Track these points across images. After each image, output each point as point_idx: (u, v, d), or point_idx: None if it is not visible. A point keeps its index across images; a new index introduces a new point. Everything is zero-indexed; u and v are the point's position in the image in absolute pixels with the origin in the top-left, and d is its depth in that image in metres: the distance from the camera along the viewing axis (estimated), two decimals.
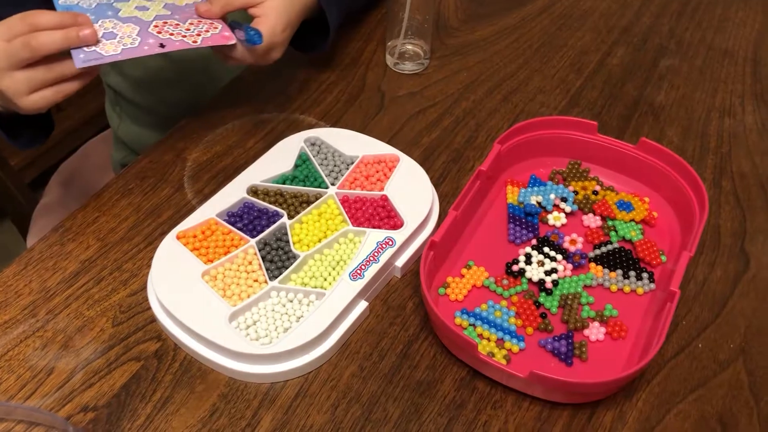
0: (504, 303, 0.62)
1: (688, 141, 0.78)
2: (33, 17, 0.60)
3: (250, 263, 0.62)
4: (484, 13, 0.96)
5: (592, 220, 0.69)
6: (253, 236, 0.64)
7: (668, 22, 0.95)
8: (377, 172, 0.71)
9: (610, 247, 0.66)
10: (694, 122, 0.80)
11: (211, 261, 0.62)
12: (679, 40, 0.92)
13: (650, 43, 0.91)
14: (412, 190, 0.68)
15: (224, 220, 0.65)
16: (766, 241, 0.68)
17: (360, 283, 0.59)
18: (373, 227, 0.65)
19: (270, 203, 0.67)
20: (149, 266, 0.62)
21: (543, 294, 0.62)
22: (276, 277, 0.60)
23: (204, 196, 0.70)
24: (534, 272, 0.63)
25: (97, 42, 0.63)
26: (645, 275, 0.64)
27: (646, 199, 0.70)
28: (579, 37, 0.92)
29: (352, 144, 0.73)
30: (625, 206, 0.69)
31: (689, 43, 0.91)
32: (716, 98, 0.83)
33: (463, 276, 0.64)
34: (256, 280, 0.61)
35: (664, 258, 0.65)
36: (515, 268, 0.64)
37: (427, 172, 0.71)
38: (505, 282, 0.63)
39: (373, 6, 0.96)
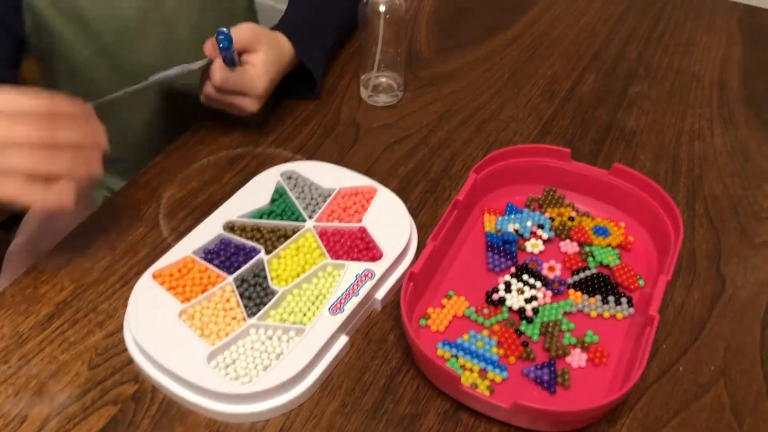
0: (485, 332, 0.62)
1: (660, 165, 0.79)
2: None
3: (228, 301, 0.61)
4: (455, 45, 0.97)
5: (569, 247, 0.69)
6: (230, 273, 0.63)
7: (636, 48, 0.97)
8: (354, 204, 0.70)
9: (588, 272, 0.66)
10: (665, 146, 0.82)
11: (188, 300, 0.61)
12: (647, 65, 0.94)
13: (619, 69, 0.93)
14: (390, 221, 0.68)
15: (201, 258, 0.64)
16: (740, 262, 0.69)
17: (340, 318, 0.59)
18: (352, 260, 0.65)
19: (247, 239, 0.66)
20: (125, 306, 0.61)
21: (524, 322, 0.62)
22: (254, 314, 0.60)
23: (180, 233, 0.69)
24: (514, 300, 0.63)
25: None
26: (624, 300, 0.64)
27: (622, 224, 0.71)
28: (549, 66, 0.94)
29: (329, 176, 0.73)
30: (602, 231, 0.70)
31: (657, 69, 0.93)
32: (685, 122, 0.85)
33: (443, 306, 0.63)
34: (234, 318, 0.60)
35: (641, 282, 0.66)
36: (495, 296, 0.64)
37: (405, 202, 0.71)
38: (486, 311, 0.63)
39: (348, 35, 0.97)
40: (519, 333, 0.62)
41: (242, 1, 0.95)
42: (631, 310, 0.64)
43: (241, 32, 0.74)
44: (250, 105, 0.76)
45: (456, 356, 0.59)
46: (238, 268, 0.63)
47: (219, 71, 0.73)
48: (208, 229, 0.67)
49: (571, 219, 0.71)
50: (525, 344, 0.61)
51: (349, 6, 0.88)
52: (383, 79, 0.87)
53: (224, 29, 0.71)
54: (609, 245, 0.69)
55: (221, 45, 0.71)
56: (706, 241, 0.71)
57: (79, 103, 0.57)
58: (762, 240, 0.71)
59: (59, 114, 0.55)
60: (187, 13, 0.86)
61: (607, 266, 0.67)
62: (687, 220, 0.73)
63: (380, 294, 0.63)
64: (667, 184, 0.77)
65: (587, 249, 0.69)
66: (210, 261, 0.64)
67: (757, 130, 0.84)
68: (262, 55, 0.75)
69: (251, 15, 0.98)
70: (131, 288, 0.61)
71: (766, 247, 0.70)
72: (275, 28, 0.82)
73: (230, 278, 0.62)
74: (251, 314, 0.60)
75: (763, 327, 0.64)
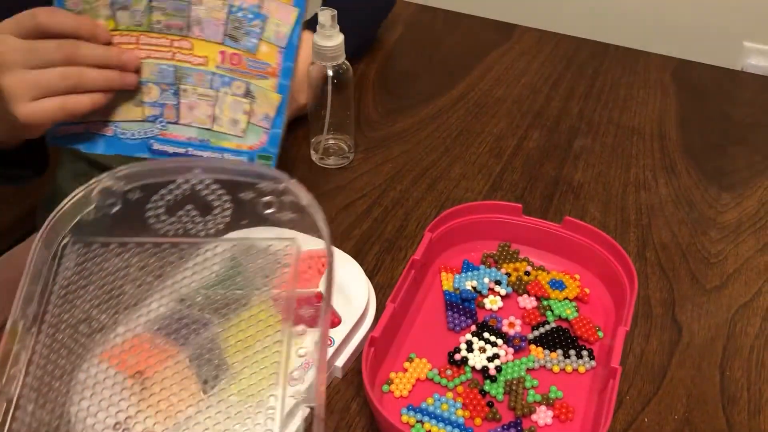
0: (450, 395, 0.60)
1: (609, 216, 0.81)
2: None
3: (182, 377, 0.58)
4: (402, 106, 0.98)
5: (527, 301, 0.69)
6: (182, 347, 0.60)
7: (577, 104, 1.00)
8: (310, 268, 0.69)
9: (548, 327, 0.66)
10: (613, 197, 0.83)
11: (141, 374, 0.58)
12: (588, 120, 0.97)
13: (562, 125, 0.96)
14: (346, 284, 0.67)
15: (152, 332, 0.62)
16: (694, 308, 0.70)
17: (300, 389, 0.57)
18: (310, 327, 0.63)
19: (199, 309, 0.64)
20: (69, 391, 0.58)
21: (488, 381, 0.61)
22: (209, 390, 0.57)
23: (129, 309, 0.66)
24: (476, 360, 0.63)
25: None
26: (585, 353, 0.64)
27: (577, 276, 0.71)
28: (495, 124, 0.96)
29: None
30: (558, 285, 0.70)
31: (599, 124, 0.96)
32: (630, 173, 0.87)
33: (406, 370, 0.62)
34: (191, 394, 0.57)
35: (601, 334, 0.66)
36: (457, 356, 0.63)
37: (361, 264, 0.70)
38: (449, 372, 0.62)
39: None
40: (483, 393, 0.61)
41: None
42: (593, 362, 0.63)
43: None
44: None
45: (421, 422, 0.58)
46: (191, 341, 0.61)
47: None
48: (159, 303, 0.64)
49: (527, 273, 0.72)
50: (490, 404, 0.60)
51: (378, 9, 1.04)
52: (333, 142, 0.87)
53: None
54: (566, 298, 0.69)
55: None
56: (660, 289, 0.72)
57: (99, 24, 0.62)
58: (713, 285, 0.73)
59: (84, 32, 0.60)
60: None
61: (566, 319, 0.67)
62: (639, 269, 0.74)
63: (340, 361, 0.62)
64: (617, 235, 0.78)
65: (545, 303, 0.69)
66: (161, 335, 0.62)
67: (698, 179, 0.86)
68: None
69: None
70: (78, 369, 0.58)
71: (717, 293, 0.72)
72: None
73: (182, 353, 0.60)
74: (206, 390, 0.57)
75: (721, 372, 0.64)
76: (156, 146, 0.66)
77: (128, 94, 0.64)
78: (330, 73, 0.79)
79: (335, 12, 0.75)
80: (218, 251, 0.70)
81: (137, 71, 0.63)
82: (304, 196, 0.53)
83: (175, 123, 0.66)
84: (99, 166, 0.88)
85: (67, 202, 0.55)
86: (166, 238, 0.58)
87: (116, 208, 0.58)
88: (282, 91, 0.63)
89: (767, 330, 0.68)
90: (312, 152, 0.87)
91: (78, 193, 0.56)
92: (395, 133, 0.93)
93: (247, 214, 0.59)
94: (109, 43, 0.62)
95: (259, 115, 0.65)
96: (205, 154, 0.67)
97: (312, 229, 0.54)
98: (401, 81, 1.04)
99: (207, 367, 0.60)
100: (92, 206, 0.57)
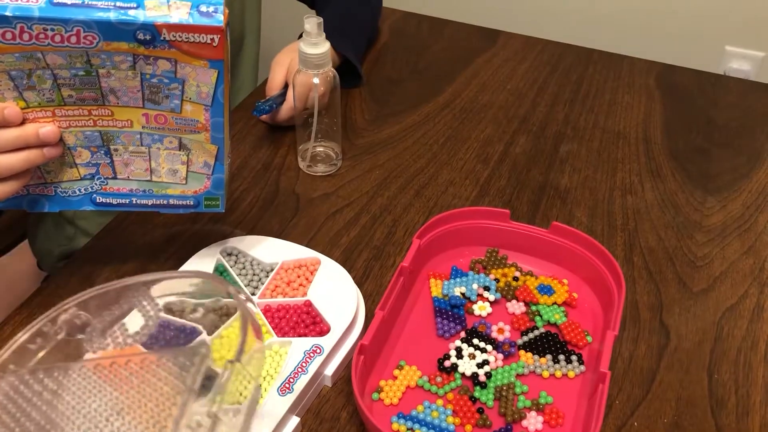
0: (440, 402, 0.60)
1: (595, 220, 0.81)
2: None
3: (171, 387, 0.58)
4: (389, 113, 0.98)
5: (516, 307, 0.69)
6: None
7: (562, 110, 1.00)
8: (299, 277, 0.69)
9: (536, 332, 0.66)
10: (599, 202, 0.84)
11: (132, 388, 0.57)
12: (574, 125, 0.97)
13: (548, 130, 0.96)
14: (335, 292, 0.67)
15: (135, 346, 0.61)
16: (681, 312, 0.70)
17: (290, 398, 0.57)
18: (299, 335, 0.63)
19: (187, 320, 0.64)
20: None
21: (477, 388, 0.61)
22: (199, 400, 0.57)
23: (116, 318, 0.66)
24: (466, 366, 0.63)
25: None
26: (574, 358, 0.64)
27: (565, 281, 0.71)
28: (481, 130, 0.96)
29: (271, 250, 0.71)
30: (546, 290, 0.70)
31: (584, 128, 0.97)
32: (616, 178, 0.88)
33: (396, 378, 0.62)
34: (175, 405, 0.57)
35: (589, 338, 0.66)
36: (447, 363, 0.63)
37: (349, 272, 0.70)
38: (439, 379, 0.62)
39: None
40: (473, 399, 0.61)
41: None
42: (582, 367, 0.64)
43: (275, 80, 0.91)
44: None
45: (412, 429, 0.58)
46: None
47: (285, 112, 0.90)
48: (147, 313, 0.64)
49: (516, 279, 0.72)
50: (480, 411, 0.60)
51: (375, 11, 1.11)
52: (321, 149, 0.87)
53: (256, 108, 0.88)
54: (555, 303, 0.69)
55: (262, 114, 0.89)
56: (647, 292, 0.72)
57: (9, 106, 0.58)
58: (700, 288, 0.73)
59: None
60: None
61: (555, 324, 0.67)
62: (627, 273, 0.74)
63: (330, 370, 0.61)
64: (604, 239, 0.78)
65: (534, 308, 0.69)
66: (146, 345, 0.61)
67: (683, 183, 0.87)
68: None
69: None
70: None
71: (704, 296, 0.72)
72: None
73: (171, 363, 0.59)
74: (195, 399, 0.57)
75: (709, 375, 0.65)
76: (99, 200, 0.66)
77: (60, 159, 0.62)
78: (316, 80, 0.79)
79: (321, 20, 0.75)
80: (206, 260, 0.70)
81: (60, 141, 0.61)
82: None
83: (114, 178, 0.65)
84: None
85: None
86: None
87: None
88: (216, 143, 0.62)
89: (754, 332, 0.69)
90: (299, 160, 0.87)
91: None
92: (382, 139, 0.93)
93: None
94: (23, 122, 0.59)
95: (197, 163, 0.63)
96: (150, 201, 0.66)
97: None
98: (388, 88, 1.04)
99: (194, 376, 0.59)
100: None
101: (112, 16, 0.53)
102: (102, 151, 0.63)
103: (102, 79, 0.58)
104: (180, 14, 0.54)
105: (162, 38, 0.55)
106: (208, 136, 0.61)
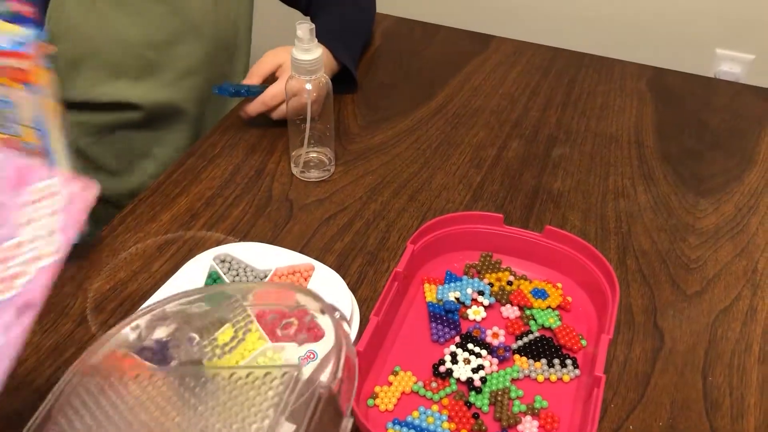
0: (435, 407, 0.60)
1: (589, 224, 0.81)
2: None
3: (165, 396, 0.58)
4: (381, 118, 0.98)
5: (510, 311, 0.69)
6: (165, 366, 0.60)
7: (555, 113, 1.01)
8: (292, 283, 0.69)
9: (531, 336, 0.66)
10: (592, 205, 0.84)
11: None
12: (567, 129, 0.97)
13: (541, 134, 0.96)
14: (329, 298, 0.67)
15: (133, 352, 0.61)
16: (675, 314, 0.71)
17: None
18: (293, 342, 0.62)
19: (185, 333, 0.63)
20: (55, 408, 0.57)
21: (473, 393, 0.61)
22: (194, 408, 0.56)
23: (109, 327, 0.65)
24: (461, 371, 0.63)
25: None
26: (569, 362, 0.64)
27: (559, 285, 0.71)
28: (474, 134, 0.96)
29: (264, 257, 0.71)
30: (540, 294, 0.70)
31: (576, 132, 0.97)
32: (609, 181, 0.88)
33: (391, 384, 0.62)
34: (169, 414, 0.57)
35: (584, 342, 0.66)
36: (442, 369, 0.63)
37: (344, 277, 0.70)
38: (434, 384, 0.62)
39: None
40: (469, 405, 0.60)
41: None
42: (577, 371, 0.64)
43: (264, 67, 0.92)
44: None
45: None
46: (174, 360, 0.60)
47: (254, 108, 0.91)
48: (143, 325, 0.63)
49: (510, 283, 0.72)
50: (476, 416, 0.59)
51: (369, 17, 1.12)
52: (314, 155, 0.87)
53: (215, 87, 0.91)
54: (549, 307, 0.69)
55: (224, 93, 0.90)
56: (641, 295, 0.73)
57: None
58: (693, 291, 0.73)
59: None
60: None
61: (549, 328, 0.67)
62: (621, 276, 0.74)
63: (324, 376, 0.61)
64: (597, 243, 0.79)
65: (528, 312, 0.69)
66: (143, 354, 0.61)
67: (676, 186, 0.87)
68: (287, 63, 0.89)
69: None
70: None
71: (698, 298, 0.72)
72: None
73: (166, 371, 0.59)
74: (190, 407, 0.56)
75: (704, 378, 0.65)
76: None
77: None
78: (309, 86, 0.79)
79: (313, 26, 0.75)
80: (199, 267, 0.70)
81: None
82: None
83: None
84: None
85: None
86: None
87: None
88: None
89: (747, 335, 0.69)
90: (292, 166, 0.87)
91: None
92: (375, 145, 0.93)
93: None
94: None
95: None
96: None
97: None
98: (380, 93, 1.04)
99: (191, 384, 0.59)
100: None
101: None
102: None
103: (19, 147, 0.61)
104: (2, 40, 0.59)
105: None
106: (44, 161, 0.63)
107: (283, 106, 0.89)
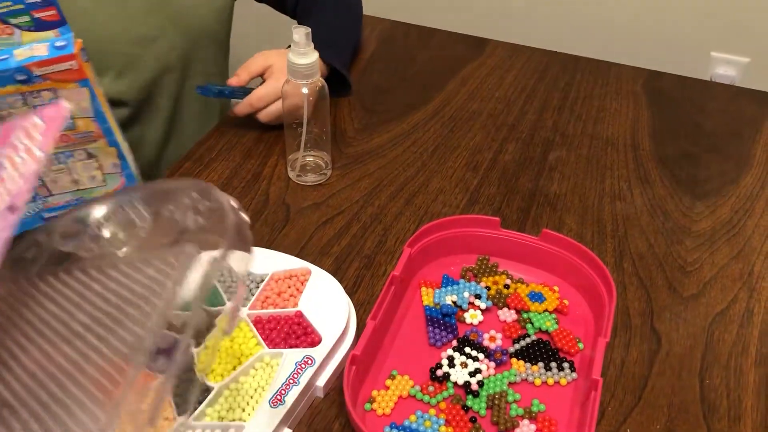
0: (432, 411, 0.60)
1: (585, 227, 0.81)
2: None
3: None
4: (378, 122, 0.98)
5: (507, 315, 0.69)
6: (158, 373, 0.59)
7: (551, 117, 1.01)
8: (289, 287, 0.69)
9: (528, 340, 0.66)
10: (589, 209, 0.84)
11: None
12: (563, 132, 0.97)
13: (537, 137, 0.96)
14: (326, 302, 0.67)
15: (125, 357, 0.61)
16: (672, 317, 0.71)
17: (281, 410, 0.56)
18: (290, 347, 0.62)
19: (176, 333, 0.63)
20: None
21: (470, 396, 0.61)
22: (190, 414, 0.56)
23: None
24: (458, 375, 0.62)
25: None
26: (566, 365, 0.64)
27: (556, 288, 0.71)
28: (471, 138, 0.96)
29: (261, 261, 0.71)
30: (537, 297, 0.70)
31: (573, 135, 0.97)
32: (605, 184, 0.88)
33: (388, 388, 0.62)
34: (166, 419, 0.56)
35: (581, 345, 0.66)
36: (439, 372, 0.63)
37: (340, 281, 0.70)
38: (431, 388, 0.62)
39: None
40: (466, 408, 0.60)
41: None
42: (574, 374, 0.63)
43: (253, 66, 0.91)
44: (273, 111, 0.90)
45: None
46: (167, 365, 0.60)
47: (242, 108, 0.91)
48: (133, 326, 0.63)
49: (507, 287, 0.72)
50: (473, 420, 0.59)
51: (357, 18, 1.11)
52: (310, 159, 0.87)
53: (199, 88, 0.92)
54: (546, 310, 0.69)
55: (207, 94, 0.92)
56: (638, 298, 0.73)
57: None
58: (690, 294, 0.73)
59: None
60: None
61: (546, 332, 0.67)
62: (617, 280, 0.74)
63: (321, 381, 0.61)
64: (594, 246, 0.79)
65: (525, 316, 0.69)
66: (136, 358, 0.61)
67: (672, 188, 0.88)
68: (274, 80, 0.89)
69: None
70: None
71: (694, 301, 0.73)
72: None
73: (159, 377, 0.59)
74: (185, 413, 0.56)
75: (701, 380, 0.65)
76: (47, 215, 0.75)
77: None
78: (305, 90, 0.79)
79: (309, 30, 0.75)
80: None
81: None
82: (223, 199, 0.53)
83: (51, 195, 0.74)
84: None
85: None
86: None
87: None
88: (113, 145, 0.72)
89: (744, 337, 0.69)
90: (289, 170, 0.87)
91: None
92: (372, 148, 0.93)
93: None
94: None
95: (107, 166, 0.73)
96: None
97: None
98: (376, 97, 1.04)
99: (186, 391, 0.59)
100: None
101: None
102: None
103: (6, 120, 0.66)
104: (40, 53, 0.65)
105: (35, 74, 0.65)
106: (104, 141, 0.71)
107: (271, 108, 0.90)
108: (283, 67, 0.82)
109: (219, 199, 0.55)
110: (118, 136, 0.72)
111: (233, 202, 0.54)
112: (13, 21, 0.65)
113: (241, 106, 0.91)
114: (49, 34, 0.67)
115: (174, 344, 0.60)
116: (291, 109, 0.81)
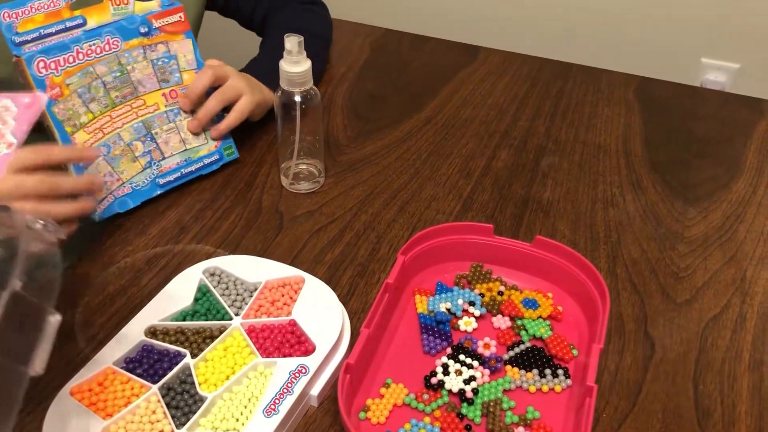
0: (427, 419, 0.60)
1: (578, 233, 0.81)
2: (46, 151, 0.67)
3: (154, 412, 0.57)
4: (370, 129, 0.98)
5: (501, 321, 0.69)
6: (155, 382, 0.59)
7: (543, 123, 1.01)
8: (283, 296, 0.69)
9: (522, 347, 0.66)
10: (582, 215, 0.84)
11: (111, 415, 0.57)
12: (555, 139, 0.98)
13: (530, 144, 0.97)
14: (320, 311, 0.66)
15: (122, 368, 0.61)
16: (665, 323, 0.71)
17: (275, 420, 0.56)
18: (284, 356, 0.62)
19: (171, 343, 0.63)
20: (40, 430, 0.56)
21: (465, 404, 0.61)
22: (183, 424, 0.56)
23: (98, 343, 0.65)
24: (453, 383, 0.62)
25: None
26: (560, 372, 0.64)
27: (550, 295, 0.71)
28: (463, 144, 0.96)
29: (254, 270, 0.71)
30: (531, 304, 0.70)
31: (565, 141, 0.97)
32: (598, 190, 0.88)
33: (382, 396, 0.62)
34: (162, 431, 0.56)
35: (575, 352, 0.66)
36: (434, 380, 0.63)
37: (334, 289, 0.69)
38: (426, 396, 0.62)
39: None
40: (461, 416, 0.60)
41: None
42: (569, 381, 0.63)
43: (202, 79, 0.83)
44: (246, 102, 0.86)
45: None
46: (163, 375, 0.60)
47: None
48: (129, 336, 0.63)
49: (501, 293, 0.72)
50: (468, 428, 0.59)
51: (324, 44, 1.10)
52: (303, 167, 0.87)
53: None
54: (540, 317, 0.69)
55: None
56: (631, 304, 0.73)
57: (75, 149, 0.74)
58: (683, 299, 0.73)
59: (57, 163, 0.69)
60: None
61: (541, 338, 0.67)
62: (611, 285, 0.74)
63: (316, 390, 0.61)
64: (587, 252, 0.79)
65: (519, 322, 0.69)
66: (132, 371, 0.60)
67: (664, 194, 0.88)
68: (233, 79, 0.85)
69: None
70: (46, 408, 0.57)
71: (688, 306, 0.73)
72: (243, 70, 0.93)
73: (155, 387, 0.59)
74: (180, 425, 0.56)
75: (695, 386, 0.65)
76: (161, 181, 0.83)
77: (126, 158, 0.80)
78: (298, 98, 0.79)
79: (302, 38, 0.75)
80: (188, 280, 0.69)
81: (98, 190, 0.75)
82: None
83: (163, 158, 0.82)
84: None
85: None
86: None
87: None
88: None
89: (737, 342, 0.69)
90: (282, 178, 0.87)
91: None
92: (365, 156, 0.93)
93: None
94: (90, 159, 0.75)
95: None
96: (193, 167, 0.86)
97: None
98: (369, 104, 1.04)
99: (179, 401, 0.58)
100: None
101: (122, 21, 0.77)
102: (149, 138, 0.81)
103: (131, 75, 0.79)
104: (155, 6, 0.79)
105: (154, 27, 0.78)
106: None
107: (209, 104, 0.84)
108: (234, 71, 0.86)
109: None
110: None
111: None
112: None
113: (190, 121, 0.85)
114: (154, 4, 0.79)
115: None
116: (284, 118, 0.81)
